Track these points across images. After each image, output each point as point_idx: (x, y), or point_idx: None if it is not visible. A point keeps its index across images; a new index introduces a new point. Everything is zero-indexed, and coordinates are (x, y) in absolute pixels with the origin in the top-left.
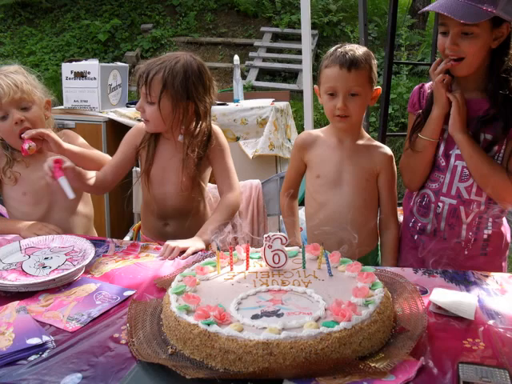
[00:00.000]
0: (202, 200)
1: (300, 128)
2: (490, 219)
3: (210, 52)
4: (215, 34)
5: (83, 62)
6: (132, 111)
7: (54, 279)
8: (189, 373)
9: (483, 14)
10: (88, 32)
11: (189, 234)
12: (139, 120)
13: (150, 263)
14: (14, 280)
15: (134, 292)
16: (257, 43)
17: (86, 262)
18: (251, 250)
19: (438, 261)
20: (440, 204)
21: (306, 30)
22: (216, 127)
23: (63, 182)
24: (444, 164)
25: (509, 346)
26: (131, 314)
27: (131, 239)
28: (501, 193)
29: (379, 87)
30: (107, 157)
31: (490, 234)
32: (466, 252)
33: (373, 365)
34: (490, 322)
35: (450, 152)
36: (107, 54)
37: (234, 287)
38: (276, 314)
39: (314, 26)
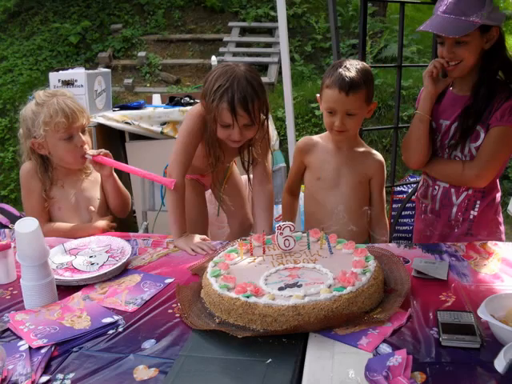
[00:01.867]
0: None
1: (275, 119)
2: (478, 202)
3: (181, 49)
4: (184, 31)
5: (70, 71)
6: (119, 114)
7: (105, 273)
8: (239, 333)
9: (469, 26)
10: (58, 35)
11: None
12: (127, 123)
13: (179, 253)
14: (70, 276)
15: (173, 279)
16: (226, 38)
17: (127, 256)
18: (261, 238)
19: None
20: (436, 187)
21: (282, 27)
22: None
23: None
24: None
25: (472, 297)
26: (180, 296)
27: (146, 227)
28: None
29: (375, 101)
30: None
31: (476, 216)
32: (455, 230)
33: (374, 316)
34: (459, 280)
35: (445, 142)
36: (79, 56)
37: (257, 268)
38: (296, 285)
39: None
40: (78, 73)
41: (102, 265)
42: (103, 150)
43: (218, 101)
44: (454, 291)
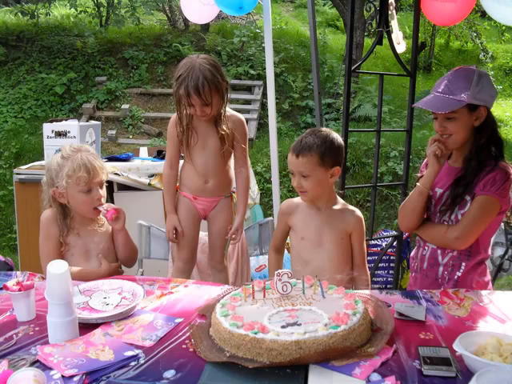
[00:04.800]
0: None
1: (254, 174)
2: (463, 264)
3: (162, 102)
4: (166, 85)
5: (64, 123)
6: (108, 166)
7: (121, 312)
8: (249, 364)
9: (455, 103)
10: (44, 84)
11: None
12: (116, 174)
13: (183, 296)
14: (88, 315)
15: (182, 319)
16: None
17: (141, 297)
18: (261, 284)
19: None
20: (426, 247)
21: (270, 84)
22: (242, 118)
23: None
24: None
25: (447, 335)
26: (193, 333)
27: (141, 274)
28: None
29: (337, 167)
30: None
31: (460, 276)
32: (441, 288)
33: (365, 350)
34: (434, 321)
35: (437, 208)
36: (64, 106)
37: (260, 309)
38: (296, 324)
39: (258, 77)
40: (72, 125)
41: (116, 305)
42: (113, 205)
43: (178, 87)
44: (431, 331)
